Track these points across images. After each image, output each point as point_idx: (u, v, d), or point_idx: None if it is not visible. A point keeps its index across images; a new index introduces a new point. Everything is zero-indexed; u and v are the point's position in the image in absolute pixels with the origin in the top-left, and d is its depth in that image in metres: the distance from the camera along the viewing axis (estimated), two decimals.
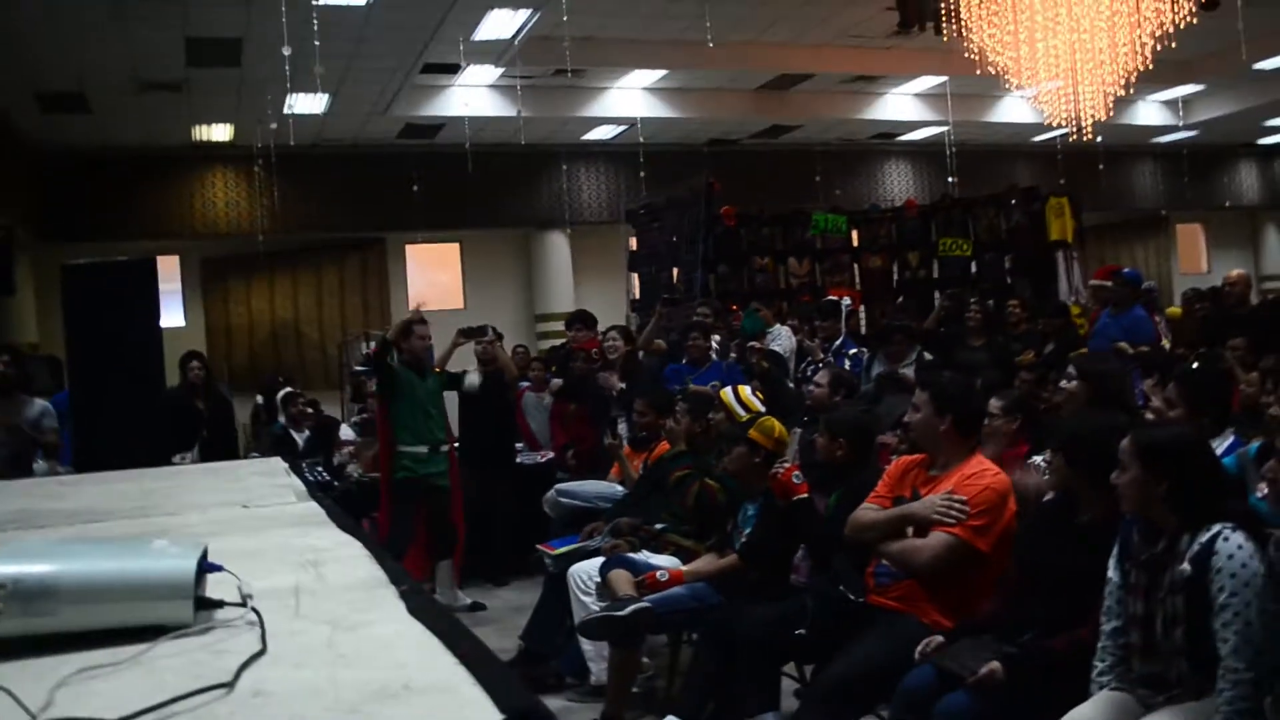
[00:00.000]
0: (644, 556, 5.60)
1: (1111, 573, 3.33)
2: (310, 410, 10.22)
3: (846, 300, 10.21)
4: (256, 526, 2.37)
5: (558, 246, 19.26)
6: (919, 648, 3.81)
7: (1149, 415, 4.73)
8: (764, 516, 5.01)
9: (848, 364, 8.29)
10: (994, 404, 5.38)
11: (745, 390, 6.08)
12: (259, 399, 12.63)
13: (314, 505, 2.71)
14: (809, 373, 8.13)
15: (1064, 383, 5.10)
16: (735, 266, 12.05)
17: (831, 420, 5.02)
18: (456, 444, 8.38)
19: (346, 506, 4.27)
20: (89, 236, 15.83)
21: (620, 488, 6.99)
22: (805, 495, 4.82)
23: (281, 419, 10.23)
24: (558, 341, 12.67)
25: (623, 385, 8.03)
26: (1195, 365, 5.87)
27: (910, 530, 4.20)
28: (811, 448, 5.52)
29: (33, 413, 7.93)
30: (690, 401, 6.45)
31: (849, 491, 4.65)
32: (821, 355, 8.50)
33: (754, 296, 11.36)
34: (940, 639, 3.82)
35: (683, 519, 5.84)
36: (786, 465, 4.96)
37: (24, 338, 15.05)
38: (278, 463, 4.08)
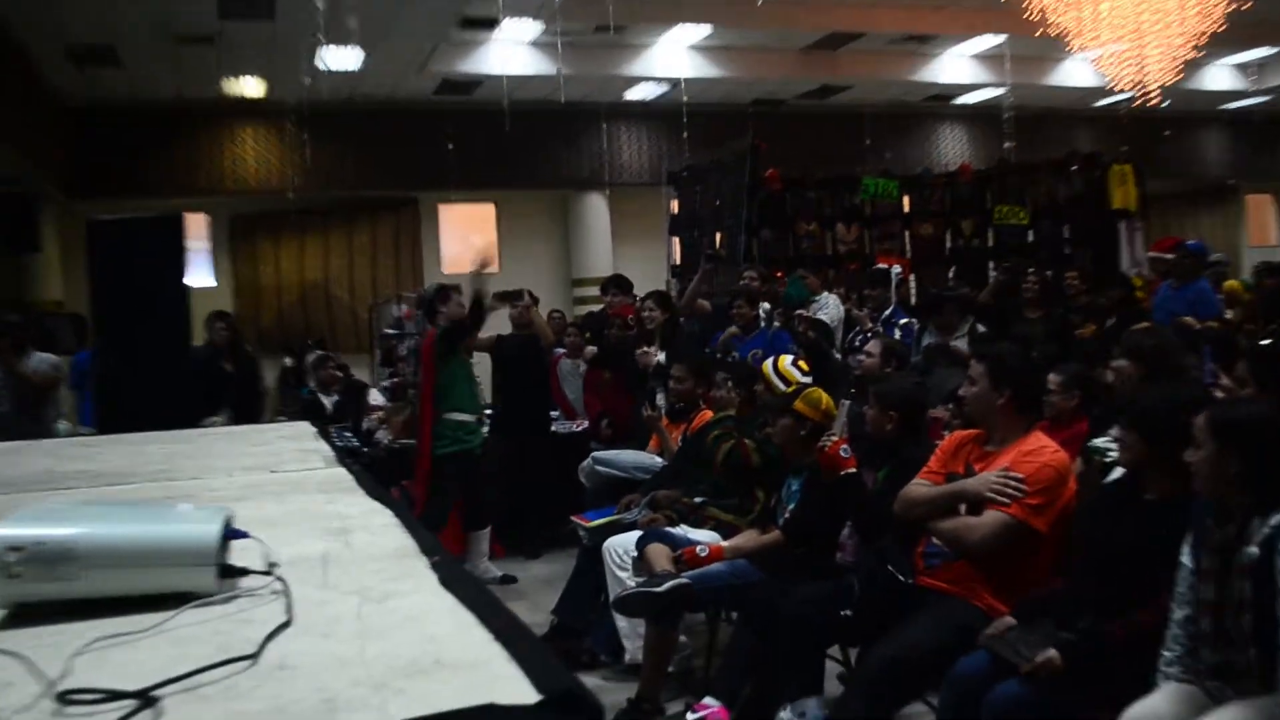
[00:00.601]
0: (682, 531, 5.51)
1: (1185, 558, 3.28)
2: (339, 374, 10.11)
3: (896, 268, 10.04)
4: (283, 492, 2.38)
5: (597, 208, 19.07)
6: (988, 630, 3.73)
7: (1218, 393, 4.65)
8: (809, 491, 4.94)
9: (897, 334, 8.14)
10: (1052, 378, 5.29)
11: (785, 361, 6.02)
12: (287, 361, 12.50)
13: (342, 471, 2.71)
14: (857, 343, 8.01)
15: (1114, 361, 5.02)
16: (780, 232, 11.80)
17: (883, 392, 4.91)
18: (489, 411, 8.28)
19: (375, 473, 4.05)
20: (116, 192, 15.86)
21: (659, 459, 6.87)
22: (853, 470, 4.75)
23: (310, 383, 10.14)
24: (595, 306, 12.33)
25: (660, 358, 7.87)
26: (1267, 342, 5.77)
27: (963, 508, 4.11)
28: (860, 420, 5.50)
29: (31, 362, 8.12)
30: (733, 372, 6.37)
31: (899, 466, 4.57)
32: (870, 325, 8.34)
33: (800, 263, 11.14)
34: (1011, 620, 3.75)
35: (723, 491, 5.75)
36: (834, 438, 4.85)
37: (48, 295, 15.10)
38: (306, 427, 4.08)
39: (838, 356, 8.15)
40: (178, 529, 1.43)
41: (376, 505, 2.14)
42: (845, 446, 4.78)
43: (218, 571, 1.41)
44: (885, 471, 4.72)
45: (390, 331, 11.74)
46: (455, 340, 7.32)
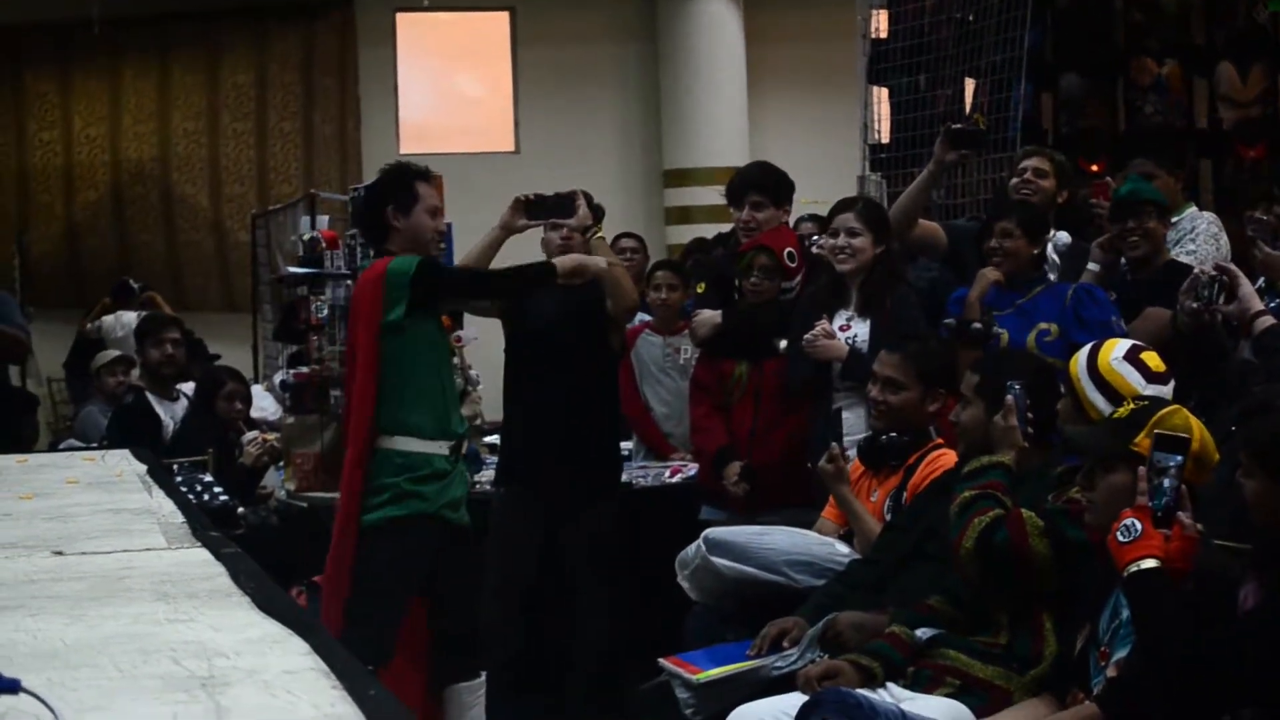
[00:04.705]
0: (889, 697, 4.91)
1: None
2: (188, 356, 9.45)
3: None
4: (84, 598, 2.41)
5: (716, 27, 17.29)
6: None
7: None
8: (1150, 617, 4.38)
9: None
10: None
11: (1114, 352, 5.27)
12: (89, 326, 12.29)
13: (202, 554, 2.81)
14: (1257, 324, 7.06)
15: None
16: (1098, 79, 10.81)
17: None
18: (490, 439, 7.85)
19: (265, 556, 4.23)
20: None
21: (841, 546, 6.05)
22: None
23: (130, 369, 9.59)
24: (715, 228, 11.17)
25: (858, 337, 6.95)
26: None
27: None
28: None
29: None
30: (988, 370, 5.52)
31: None
32: None
33: (1139, 145, 9.90)
34: None
35: (976, 614, 5.09)
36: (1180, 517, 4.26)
37: None
38: (125, 461, 4.33)
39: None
40: None
41: (273, 628, 2.16)
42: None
43: None
44: None
45: (294, 271, 10.57)
46: (439, 285, 6.55)
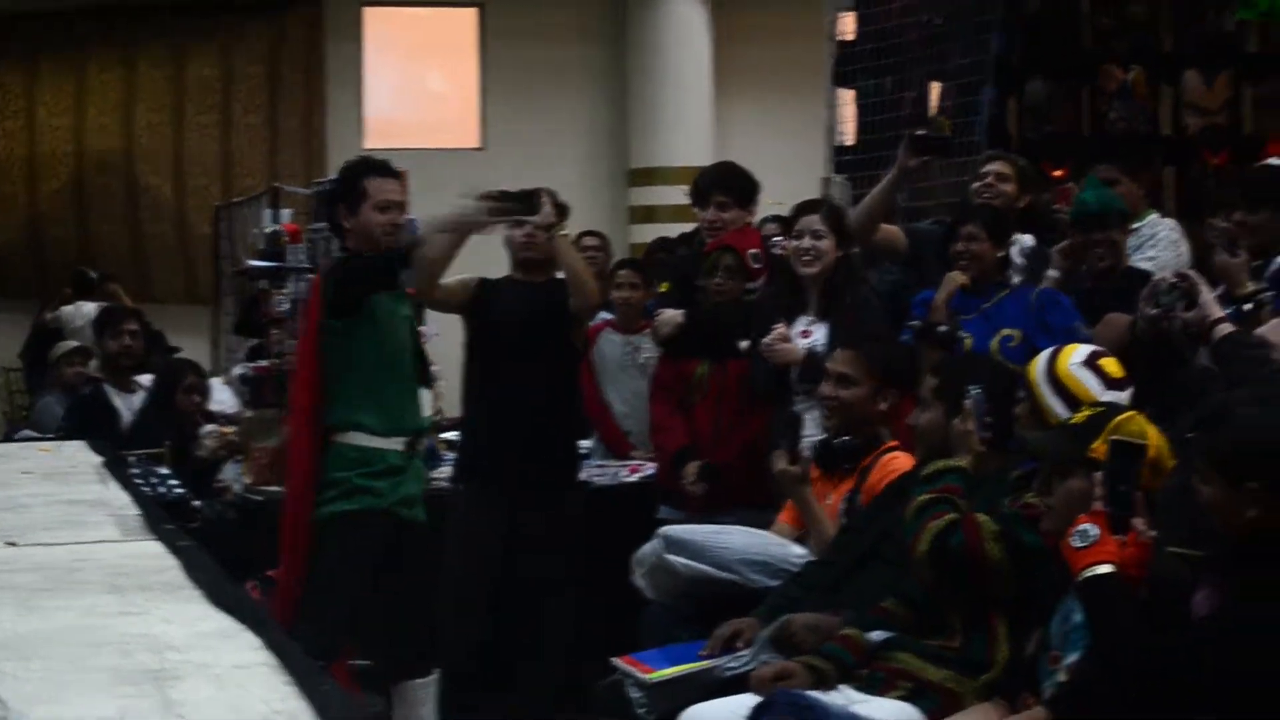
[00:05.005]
0: (842, 699, 4.86)
1: None
2: (146, 347, 9.24)
3: None
4: (39, 589, 2.42)
5: (684, 26, 17.37)
6: None
7: None
8: (1105, 622, 4.36)
9: None
10: None
11: (1072, 358, 5.26)
12: (48, 316, 12.11)
13: (155, 548, 2.82)
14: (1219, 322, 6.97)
15: None
16: (1065, 85, 10.78)
17: (1246, 441, 4.17)
18: (448, 435, 7.82)
19: (221, 550, 4.34)
20: None
21: (797, 548, 5.98)
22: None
23: (86, 360, 9.45)
24: (679, 228, 11.06)
25: (816, 342, 6.86)
26: None
27: None
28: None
29: None
30: (947, 374, 5.54)
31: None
32: (1252, 286, 6.95)
33: (1103, 151, 9.84)
34: None
35: (929, 617, 5.06)
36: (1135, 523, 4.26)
37: None
38: (81, 453, 4.41)
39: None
40: None
41: (223, 621, 2.17)
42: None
43: None
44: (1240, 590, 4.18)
45: (256, 264, 10.50)
46: (364, 287, 6.46)
